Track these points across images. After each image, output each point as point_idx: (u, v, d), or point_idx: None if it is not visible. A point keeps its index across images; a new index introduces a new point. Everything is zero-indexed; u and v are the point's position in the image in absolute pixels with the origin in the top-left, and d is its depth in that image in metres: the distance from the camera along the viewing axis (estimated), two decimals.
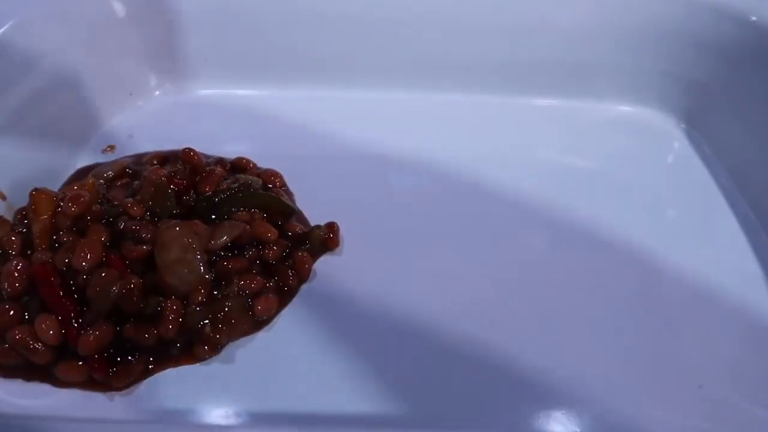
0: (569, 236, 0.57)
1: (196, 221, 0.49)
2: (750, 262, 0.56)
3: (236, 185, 0.54)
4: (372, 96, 0.70)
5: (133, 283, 0.45)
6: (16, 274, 0.45)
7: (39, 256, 0.47)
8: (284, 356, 0.47)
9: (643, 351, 0.48)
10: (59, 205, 0.50)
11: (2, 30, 0.58)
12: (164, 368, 0.45)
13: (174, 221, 0.48)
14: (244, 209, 0.53)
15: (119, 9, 0.67)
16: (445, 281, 0.52)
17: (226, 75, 0.71)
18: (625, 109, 0.72)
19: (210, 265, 0.48)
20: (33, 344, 0.43)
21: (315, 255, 0.53)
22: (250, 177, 0.56)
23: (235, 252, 0.50)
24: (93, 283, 0.44)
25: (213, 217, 0.52)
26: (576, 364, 0.47)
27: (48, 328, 0.43)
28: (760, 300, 0.52)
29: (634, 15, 0.66)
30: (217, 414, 0.44)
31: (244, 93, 0.71)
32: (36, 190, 0.51)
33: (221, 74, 0.71)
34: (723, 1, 0.64)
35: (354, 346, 0.47)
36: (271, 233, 0.52)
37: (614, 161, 0.64)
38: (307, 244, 0.53)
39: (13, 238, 0.49)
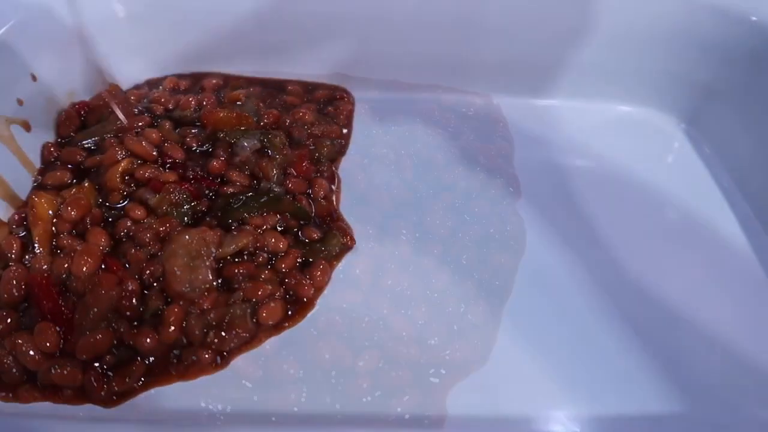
0: (569, 235, 0.57)
1: (205, 228, 0.49)
2: (750, 262, 0.56)
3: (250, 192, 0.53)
4: (373, 95, 0.70)
5: (131, 289, 0.45)
6: (15, 282, 0.45)
7: (39, 262, 0.47)
8: (288, 361, 0.46)
9: (643, 350, 0.48)
10: (59, 209, 0.50)
11: (2, 30, 0.58)
12: (166, 382, 0.44)
13: (184, 228, 0.48)
14: (260, 213, 0.52)
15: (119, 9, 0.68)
16: (443, 281, 0.52)
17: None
18: (625, 109, 0.72)
19: (217, 271, 0.48)
20: (30, 351, 0.43)
21: (333, 262, 0.52)
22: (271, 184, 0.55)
23: (245, 257, 0.50)
24: (91, 289, 0.44)
25: (230, 220, 0.51)
26: (575, 363, 0.47)
27: (47, 337, 0.43)
28: (760, 300, 0.53)
29: (634, 15, 0.66)
30: (217, 415, 0.44)
31: None
32: (36, 193, 0.51)
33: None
34: (723, 2, 0.64)
35: (360, 348, 0.47)
36: (282, 243, 0.51)
37: (614, 161, 0.64)
38: (324, 250, 0.53)
39: (12, 242, 0.49)
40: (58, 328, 0.44)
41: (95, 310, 0.44)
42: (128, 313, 0.45)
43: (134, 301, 0.45)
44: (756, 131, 0.63)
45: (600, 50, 0.68)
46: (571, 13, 0.67)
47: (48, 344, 0.43)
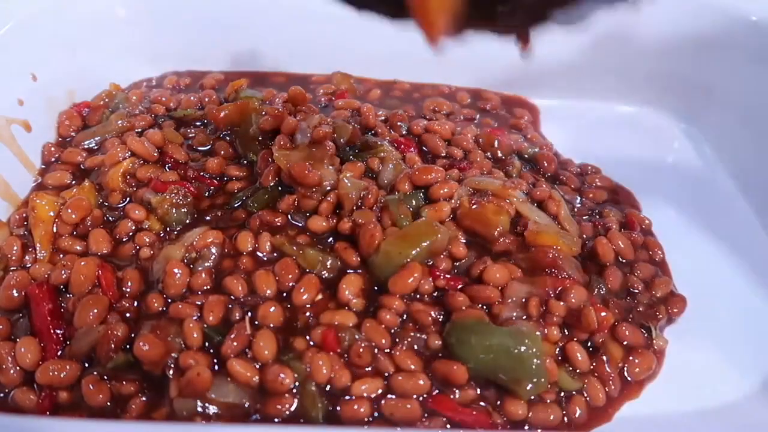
0: None
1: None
2: (750, 262, 0.56)
3: None
4: None
5: (115, 335, 0.42)
6: (14, 290, 0.45)
7: (39, 270, 0.46)
8: None
9: None
10: (59, 210, 0.49)
11: (2, 30, 0.58)
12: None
13: None
14: None
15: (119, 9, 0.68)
16: None
17: None
18: (625, 109, 0.72)
19: None
20: (6, 364, 0.42)
21: None
22: None
23: None
24: (78, 316, 0.43)
25: None
26: None
27: (28, 352, 0.42)
28: (760, 300, 0.53)
29: (634, 16, 0.66)
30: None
31: None
32: (37, 194, 0.51)
33: None
34: (723, 2, 0.64)
35: None
36: None
37: (614, 161, 0.64)
38: None
39: (13, 244, 0.49)
40: (42, 345, 0.43)
41: (76, 341, 0.43)
42: (100, 356, 0.42)
43: (112, 347, 0.42)
44: (756, 131, 0.63)
45: (600, 51, 0.68)
46: (570, 14, 0.67)
47: (26, 361, 0.42)
